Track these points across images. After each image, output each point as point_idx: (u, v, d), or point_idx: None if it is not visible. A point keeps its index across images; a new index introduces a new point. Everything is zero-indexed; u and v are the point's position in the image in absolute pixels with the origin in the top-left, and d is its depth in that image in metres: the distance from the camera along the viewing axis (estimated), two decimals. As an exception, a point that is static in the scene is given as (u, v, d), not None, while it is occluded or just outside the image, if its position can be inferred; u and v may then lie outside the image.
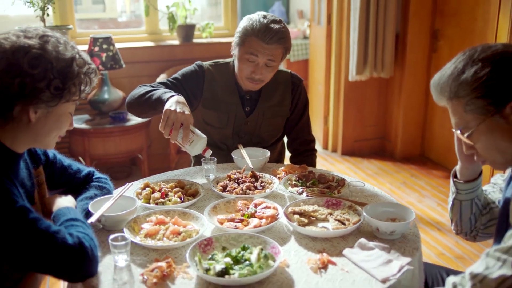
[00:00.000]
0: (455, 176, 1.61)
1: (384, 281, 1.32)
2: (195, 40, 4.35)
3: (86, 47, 3.69)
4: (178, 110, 1.85)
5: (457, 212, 1.63)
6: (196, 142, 1.88)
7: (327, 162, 4.87)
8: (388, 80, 4.85)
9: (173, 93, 1.99)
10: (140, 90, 2.13)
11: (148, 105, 2.05)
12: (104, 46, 3.64)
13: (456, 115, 1.39)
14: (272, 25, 2.10)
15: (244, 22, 2.16)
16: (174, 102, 1.89)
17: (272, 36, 2.08)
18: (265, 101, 2.32)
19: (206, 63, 2.34)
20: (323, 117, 5.16)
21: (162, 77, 3.96)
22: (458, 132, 1.40)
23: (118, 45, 3.86)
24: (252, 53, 2.12)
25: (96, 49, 3.62)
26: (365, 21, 4.48)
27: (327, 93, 5.09)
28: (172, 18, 4.23)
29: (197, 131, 1.90)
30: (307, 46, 5.94)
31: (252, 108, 2.31)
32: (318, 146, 5.24)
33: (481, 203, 1.61)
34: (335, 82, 4.94)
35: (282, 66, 2.43)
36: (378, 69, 4.61)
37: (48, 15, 3.68)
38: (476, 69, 1.30)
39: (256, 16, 2.14)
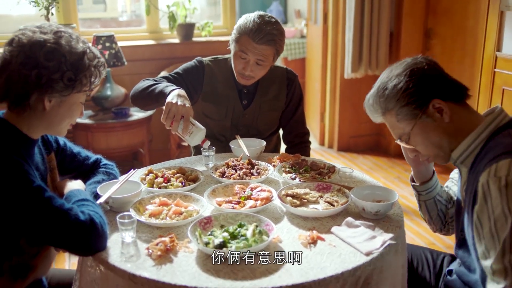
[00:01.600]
0: (413, 181, 1.78)
1: (367, 254, 1.44)
2: (194, 39, 4.48)
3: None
4: (179, 103, 1.98)
5: (426, 212, 1.79)
6: (196, 133, 2.01)
7: (324, 158, 4.99)
8: (383, 78, 4.96)
9: (175, 87, 2.11)
10: (143, 83, 2.25)
11: (151, 98, 2.18)
12: (107, 44, 3.76)
13: (392, 127, 1.59)
14: (265, 26, 2.19)
15: (241, 20, 2.27)
16: (175, 96, 2.02)
17: (262, 37, 2.18)
18: (262, 95, 2.44)
19: (206, 59, 2.46)
20: (320, 114, 5.28)
21: (162, 75, 4.08)
22: (399, 141, 1.59)
23: (120, 44, 3.98)
24: (243, 50, 2.23)
25: (99, 47, 3.74)
26: (360, 20, 4.60)
27: (323, 91, 5.21)
28: (172, 17, 4.35)
29: (196, 123, 2.03)
30: (304, 45, 6.06)
31: (249, 102, 2.44)
32: (314, 142, 5.37)
33: (444, 199, 1.78)
34: (331, 80, 5.07)
35: (280, 63, 2.56)
36: (372, 67, 4.73)
37: (52, 14, 3.80)
38: (395, 83, 1.51)
39: (253, 16, 2.25)
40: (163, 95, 2.09)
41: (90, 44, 1.59)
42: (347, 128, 5.12)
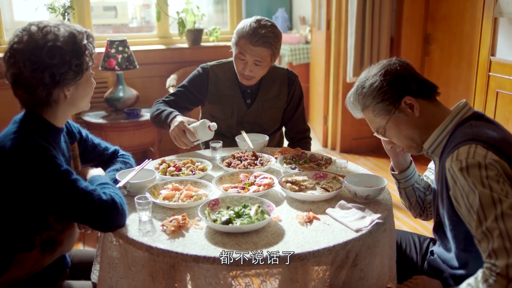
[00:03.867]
0: (393, 170, 1.97)
1: (357, 230, 1.62)
2: (203, 44, 4.69)
3: (103, 49, 4.02)
4: (172, 127, 2.30)
5: (406, 198, 1.98)
6: (199, 130, 2.25)
7: (326, 159, 5.16)
8: (384, 82, 5.13)
9: (171, 115, 2.41)
10: (154, 110, 2.56)
11: (161, 126, 2.50)
12: (120, 48, 3.96)
13: (370, 122, 1.79)
14: (260, 30, 2.40)
15: (240, 24, 2.49)
16: (172, 124, 2.34)
17: (258, 39, 2.39)
18: (264, 94, 2.63)
19: (210, 63, 2.69)
20: (323, 117, 5.46)
21: (172, 78, 4.28)
22: (376, 134, 1.78)
23: (132, 48, 4.18)
24: (241, 52, 2.45)
25: (113, 51, 3.95)
26: (361, 26, 4.78)
27: (326, 94, 5.39)
28: (181, 23, 4.56)
29: (194, 124, 2.28)
30: (308, 50, 6.24)
31: (252, 101, 2.63)
32: (318, 144, 5.55)
33: (422, 186, 1.97)
34: (334, 84, 5.25)
35: (285, 66, 2.76)
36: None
37: (69, 20, 4.02)
38: (371, 82, 1.71)
39: (250, 20, 2.46)
40: (167, 124, 2.41)
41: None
42: (349, 131, 5.29)
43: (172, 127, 2.33)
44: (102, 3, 7.32)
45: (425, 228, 3.61)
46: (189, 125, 2.30)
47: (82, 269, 1.97)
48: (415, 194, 1.96)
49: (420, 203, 1.97)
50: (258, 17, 2.48)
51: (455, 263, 1.68)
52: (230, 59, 2.67)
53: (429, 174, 1.99)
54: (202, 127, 2.24)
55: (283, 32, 6.75)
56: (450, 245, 1.70)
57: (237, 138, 2.46)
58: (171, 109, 2.48)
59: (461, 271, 1.66)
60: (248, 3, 7.11)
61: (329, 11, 5.15)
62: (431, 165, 1.99)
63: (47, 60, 1.59)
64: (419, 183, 1.96)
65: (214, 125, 2.27)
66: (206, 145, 2.70)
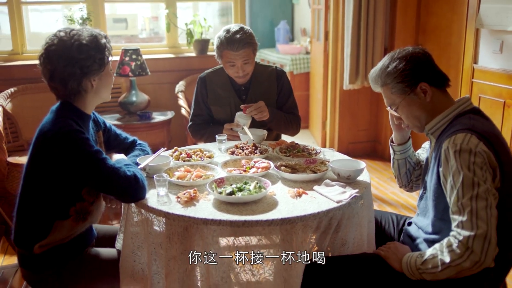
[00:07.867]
0: (392, 141, 2.26)
1: (338, 202, 1.95)
2: (209, 53, 5.03)
3: (118, 57, 4.37)
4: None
5: (397, 169, 2.28)
6: (237, 117, 2.80)
7: (324, 161, 5.47)
8: (378, 89, 5.46)
9: (214, 130, 2.91)
10: (198, 136, 3.08)
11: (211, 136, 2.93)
12: (133, 57, 4.33)
13: (387, 97, 2.06)
14: (234, 36, 2.79)
15: (215, 41, 2.88)
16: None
17: (237, 45, 2.78)
18: (256, 89, 3.02)
19: (206, 72, 3.11)
20: (321, 122, 5.78)
21: (180, 84, 4.63)
22: (389, 108, 2.06)
23: (144, 56, 4.54)
24: (229, 61, 2.84)
25: (127, 58, 4.31)
26: (356, 38, 5.11)
27: (325, 101, 5.71)
28: (189, 34, 4.93)
29: (235, 128, 2.85)
30: (308, 60, 6.56)
31: (246, 96, 3.02)
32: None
33: (413, 162, 2.27)
34: (331, 91, 5.57)
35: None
36: (368, 79, 5.22)
37: (87, 30, 4.38)
38: (396, 64, 1.97)
39: (221, 33, 2.86)
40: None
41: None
42: (346, 135, 5.60)
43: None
44: (113, 15, 7.72)
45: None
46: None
47: (107, 240, 2.30)
48: (406, 167, 2.26)
49: (408, 175, 2.27)
50: (225, 27, 2.87)
51: (430, 229, 1.98)
52: (222, 65, 3.04)
53: (422, 152, 2.29)
54: (238, 116, 2.74)
55: (285, 43, 7.15)
56: (429, 214, 2.00)
57: (240, 132, 2.80)
58: (208, 128, 3.01)
59: (433, 236, 1.96)
60: (252, 15, 7.48)
61: (327, 23, 5.49)
62: (425, 145, 2.28)
63: (76, 55, 1.95)
64: (411, 158, 2.26)
65: (242, 108, 2.76)
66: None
